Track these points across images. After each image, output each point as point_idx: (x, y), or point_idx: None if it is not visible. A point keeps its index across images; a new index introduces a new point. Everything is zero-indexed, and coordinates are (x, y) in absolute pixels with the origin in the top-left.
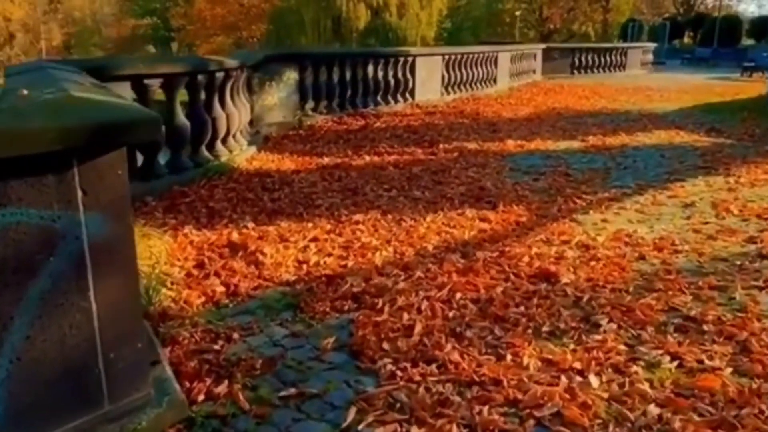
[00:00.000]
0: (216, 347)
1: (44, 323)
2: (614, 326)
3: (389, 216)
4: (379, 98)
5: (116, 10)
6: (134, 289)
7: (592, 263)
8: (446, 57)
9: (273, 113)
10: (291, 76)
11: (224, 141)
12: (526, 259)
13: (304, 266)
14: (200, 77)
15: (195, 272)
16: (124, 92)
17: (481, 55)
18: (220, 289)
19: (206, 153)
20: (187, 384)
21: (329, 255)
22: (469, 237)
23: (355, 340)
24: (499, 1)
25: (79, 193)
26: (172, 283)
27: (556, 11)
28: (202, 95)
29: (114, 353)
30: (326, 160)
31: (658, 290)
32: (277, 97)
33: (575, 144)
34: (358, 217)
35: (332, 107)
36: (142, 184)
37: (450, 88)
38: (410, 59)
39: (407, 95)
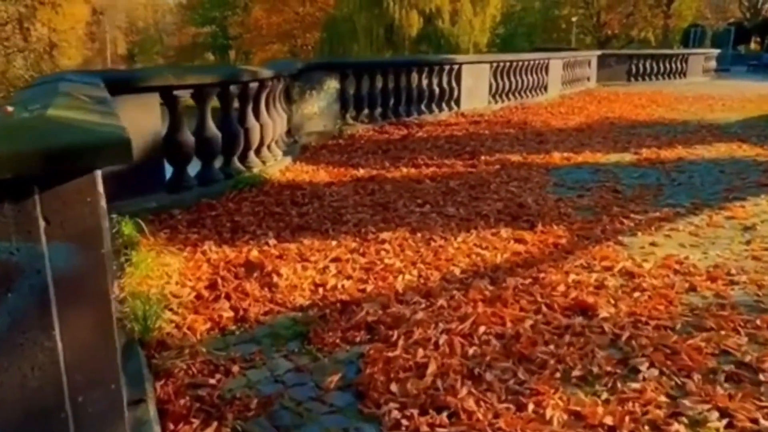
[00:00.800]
0: (212, 381)
1: (2, 365)
2: (655, 372)
3: (418, 235)
4: (422, 107)
5: (178, 20)
6: (107, 325)
7: (636, 294)
8: (494, 64)
9: (313, 122)
10: (332, 85)
11: (258, 152)
12: (561, 287)
13: (320, 290)
14: (232, 88)
15: (206, 293)
16: (153, 104)
17: (531, 62)
18: (228, 314)
19: (238, 164)
20: (171, 426)
21: (348, 278)
22: (501, 260)
23: (362, 379)
24: (555, 6)
25: (42, 223)
26: (179, 306)
27: (614, 16)
28: (235, 106)
29: (83, 397)
30: (361, 171)
31: (709, 329)
32: (318, 107)
33: (627, 157)
34: (385, 235)
35: (374, 116)
36: (170, 195)
37: (498, 97)
38: (456, 67)
39: (452, 104)
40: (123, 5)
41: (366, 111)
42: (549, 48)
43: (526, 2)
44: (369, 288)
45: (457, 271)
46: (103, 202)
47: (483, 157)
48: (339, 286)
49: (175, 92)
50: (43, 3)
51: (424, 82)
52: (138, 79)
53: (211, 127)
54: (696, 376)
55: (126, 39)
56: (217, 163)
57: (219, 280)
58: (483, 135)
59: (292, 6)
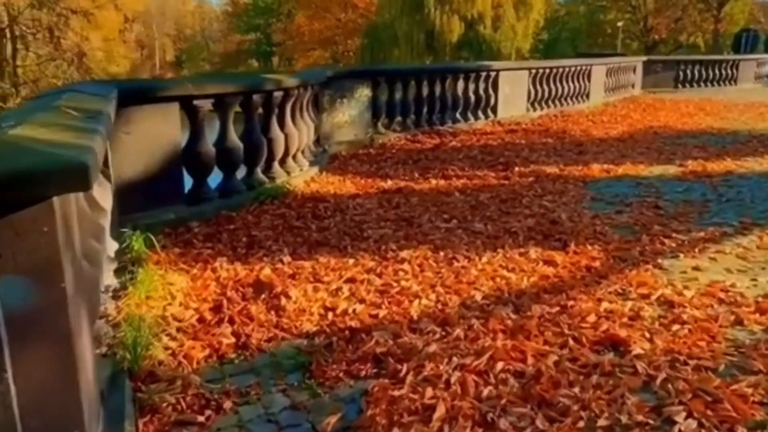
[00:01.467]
0: (201, 419)
1: None
2: (693, 425)
3: (441, 253)
4: (457, 115)
5: (223, 27)
6: (69, 365)
7: (675, 327)
8: (533, 71)
9: (343, 131)
10: (363, 92)
11: (282, 162)
12: (591, 318)
13: (330, 314)
14: (255, 97)
15: (209, 316)
16: (172, 114)
17: (573, 68)
18: (229, 340)
19: (261, 175)
20: None
21: (361, 301)
22: (527, 284)
23: (362, 422)
24: (600, 11)
25: None
26: (178, 330)
27: (661, 21)
28: (258, 115)
29: None
30: (389, 183)
31: (757, 372)
32: (349, 115)
33: (671, 169)
34: (405, 253)
35: (406, 125)
36: (188, 208)
37: (537, 104)
38: (492, 74)
39: (489, 112)
40: (172, 13)
41: (398, 119)
42: (593, 54)
43: (570, 7)
44: (382, 313)
45: (478, 296)
46: (66, 233)
47: (517, 169)
48: (350, 310)
49: (195, 102)
50: (75, 12)
51: (459, 89)
52: (157, 89)
53: (233, 138)
54: (741, 431)
55: (174, 46)
56: (240, 173)
57: (225, 302)
58: (519, 145)
59: (334, 12)
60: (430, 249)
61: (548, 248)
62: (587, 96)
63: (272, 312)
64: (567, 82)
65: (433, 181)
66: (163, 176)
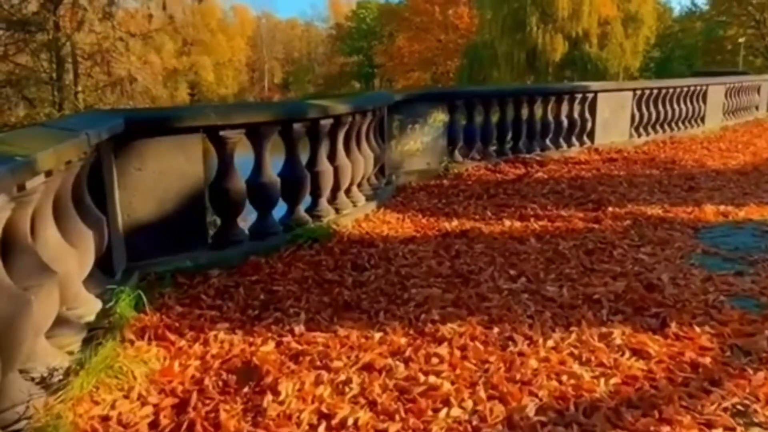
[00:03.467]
0: None
1: None
2: None
3: (494, 329)
4: (547, 142)
5: (328, 50)
6: None
7: None
8: (638, 92)
9: (415, 159)
10: (438, 117)
11: (333, 198)
12: None
13: (322, 427)
14: (296, 126)
15: (165, 421)
16: (194, 146)
17: (685, 88)
18: None
19: (303, 214)
20: None
21: (371, 405)
22: (604, 391)
23: None
24: (719, 26)
25: None
26: None
27: None
28: (307, 145)
29: None
30: (455, 223)
31: None
32: (421, 142)
33: None
34: (448, 328)
35: (487, 152)
36: (211, 253)
37: (642, 129)
38: (590, 96)
39: (584, 138)
40: (282, 37)
41: (478, 146)
42: (711, 72)
43: (685, 23)
44: (392, 430)
45: (531, 408)
46: None
47: (611, 209)
48: (350, 421)
49: (222, 133)
50: (134, 35)
51: (550, 113)
52: (174, 119)
53: (269, 173)
54: None
55: (282, 69)
56: (281, 212)
57: (195, 396)
58: (616, 177)
59: (434, 34)
60: (481, 322)
61: (640, 328)
62: (702, 119)
63: (248, 418)
64: (678, 103)
65: (507, 222)
66: (182, 217)
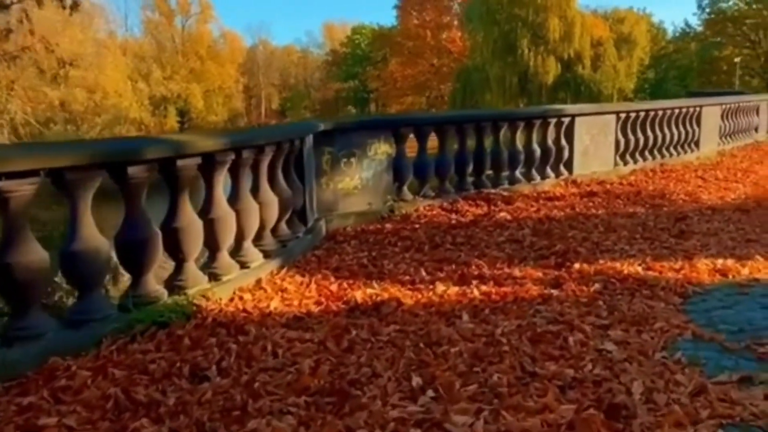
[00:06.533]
0: None
1: None
2: None
3: None
4: (517, 174)
5: (323, 76)
6: None
7: None
8: (622, 116)
9: (352, 200)
10: (381, 149)
11: (213, 259)
12: None
13: None
14: (133, 170)
15: None
16: None
17: (677, 110)
18: None
19: (154, 287)
20: None
21: None
22: None
23: None
24: (714, 47)
25: None
26: None
27: None
28: (159, 196)
29: None
30: (374, 289)
31: None
32: (359, 178)
33: None
34: None
35: (444, 188)
36: None
37: (628, 157)
38: (565, 120)
39: (561, 168)
40: (278, 65)
41: (434, 182)
42: (707, 92)
43: (679, 44)
44: None
45: None
46: None
47: (577, 265)
48: None
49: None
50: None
51: (519, 140)
52: None
53: (90, 234)
54: None
55: (279, 95)
56: (123, 285)
57: None
58: (593, 218)
59: (427, 58)
60: None
61: None
62: (696, 144)
63: None
64: (669, 127)
65: (441, 288)
66: None
